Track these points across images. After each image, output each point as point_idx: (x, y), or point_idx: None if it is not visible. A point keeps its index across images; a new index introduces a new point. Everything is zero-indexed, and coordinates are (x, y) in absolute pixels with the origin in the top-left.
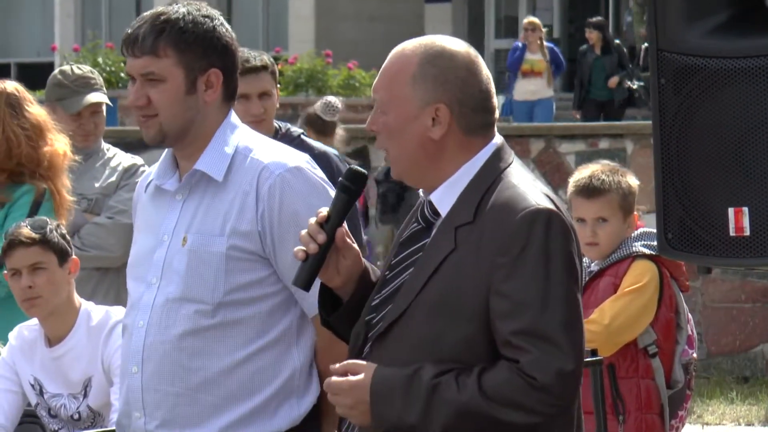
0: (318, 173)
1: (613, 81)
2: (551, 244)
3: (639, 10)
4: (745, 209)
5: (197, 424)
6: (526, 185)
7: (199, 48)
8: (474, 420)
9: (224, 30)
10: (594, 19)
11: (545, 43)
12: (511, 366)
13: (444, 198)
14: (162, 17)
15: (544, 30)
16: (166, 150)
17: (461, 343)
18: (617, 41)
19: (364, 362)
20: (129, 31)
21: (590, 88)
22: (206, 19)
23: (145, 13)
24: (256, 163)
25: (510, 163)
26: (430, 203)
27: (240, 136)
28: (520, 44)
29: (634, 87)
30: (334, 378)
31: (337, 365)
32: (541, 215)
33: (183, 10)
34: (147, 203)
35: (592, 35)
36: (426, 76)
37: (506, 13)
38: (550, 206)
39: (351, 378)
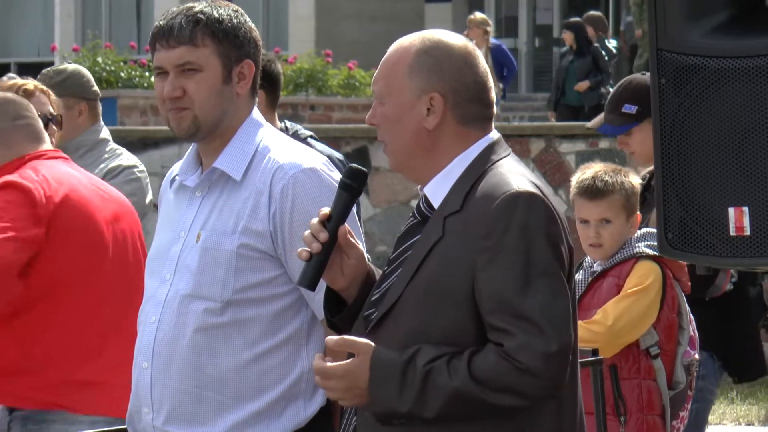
0: (334, 176)
1: (581, 85)
2: (532, 225)
3: (637, 10)
4: (746, 209)
5: (204, 421)
6: (512, 173)
7: (235, 38)
8: (466, 404)
9: (253, 25)
10: (570, 20)
11: (491, 41)
12: (498, 350)
13: (437, 190)
14: (196, 8)
15: (489, 28)
16: (191, 146)
17: (449, 328)
18: (596, 44)
19: (359, 340)
20: (161, 23)
21: (565, 92)
22: (237, 13)
23: (172, 9)
24: (273, 163)
25: (503, 157)
26: (425, 197)
27: (262, 134)
28: None
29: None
30: (328, 364)
31: (333, 339)
32: (522, 197)
33: (212, 4)
34: (170, 199)
35: (566, 36)
36: (422, 66)
37: (506, 14)
38: (532, 189)
39: (345, 363)
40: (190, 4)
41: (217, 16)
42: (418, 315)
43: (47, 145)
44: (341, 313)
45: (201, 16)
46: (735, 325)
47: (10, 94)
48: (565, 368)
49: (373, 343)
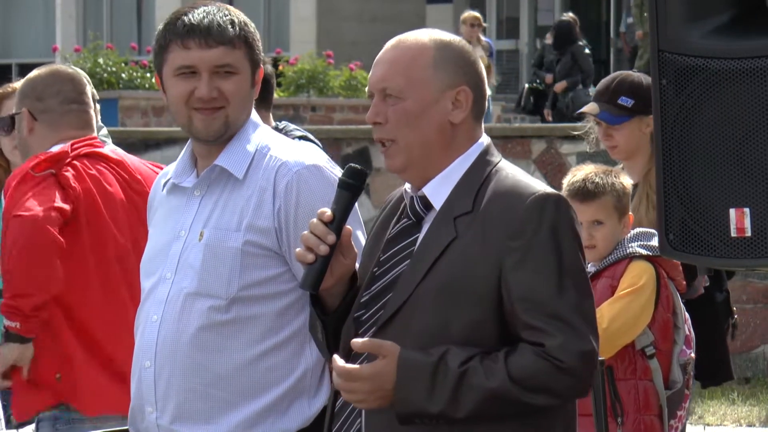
0: (336, 172)
1: (558, 86)
2: (561, 226)
3: (637, 12)
4: (747, 210)
5: (209, 419)
6: (524, 175)
7: (254, 42)
8: (501, 404)
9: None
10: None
11: (483, 39)
12: (536, 350)
13: (438, 191)
14: (223, 9)
15: (484, 25)
16: (185, 148)
17: (469, 328)
18: (579, 42)
19: (385, 342)
20: (192, 21)
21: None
22: (245, 18)
23: (194, 7)
24: (275, 160)
25: (500, 160)
26: (422, 198)
27: (261, 134)
28: None
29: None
30: (354, 366)
31: (359, 341)
32: (551, 199)
33: (223, 7)
34: (163, 201)
35: (548, 36)
36: (447, 61)
37: (508, 14)
38: (556, 191)
39: (371, 365)
40: (208, 6)
41: (242, 19)
42: (433, 314)
43: (92, 131)
44: (335, 311)
45: (233, 17)
46: (703, 329)
47: (70, 69)
48: (596, 367)
49: (398, 345)
